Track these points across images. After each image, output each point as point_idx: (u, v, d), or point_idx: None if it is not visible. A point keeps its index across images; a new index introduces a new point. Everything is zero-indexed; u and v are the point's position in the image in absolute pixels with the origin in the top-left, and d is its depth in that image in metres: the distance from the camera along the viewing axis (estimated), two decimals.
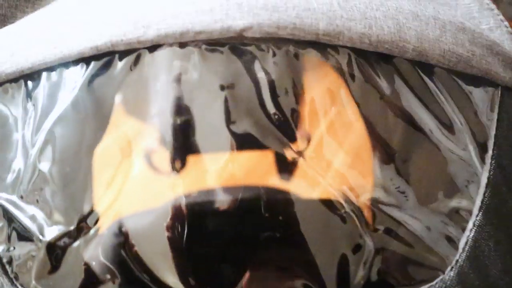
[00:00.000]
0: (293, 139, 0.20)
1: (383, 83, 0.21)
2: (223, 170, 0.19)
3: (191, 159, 0.19)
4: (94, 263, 0.18)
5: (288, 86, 0.20)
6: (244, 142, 0.19)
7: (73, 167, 0.20)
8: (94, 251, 0.18)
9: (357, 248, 0.19)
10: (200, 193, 0.19)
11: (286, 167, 0.19)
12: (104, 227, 0.19)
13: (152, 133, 0.20)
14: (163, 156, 0.19)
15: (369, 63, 0.21)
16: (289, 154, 0.20)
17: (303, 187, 0.19)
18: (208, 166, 0.19)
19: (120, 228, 0.19)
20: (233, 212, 0.18)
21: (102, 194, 0.19)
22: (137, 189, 0.19)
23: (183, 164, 0.19)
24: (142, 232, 0.19)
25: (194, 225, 0.18)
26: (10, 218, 0.20)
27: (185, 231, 0.18)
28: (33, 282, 0.18)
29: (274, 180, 0.19)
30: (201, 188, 0.19)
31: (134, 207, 0.19)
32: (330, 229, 0.19)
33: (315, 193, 0.19)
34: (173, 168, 0.19)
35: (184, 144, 0.19)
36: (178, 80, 0.20)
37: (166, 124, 0.20)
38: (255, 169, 0.19)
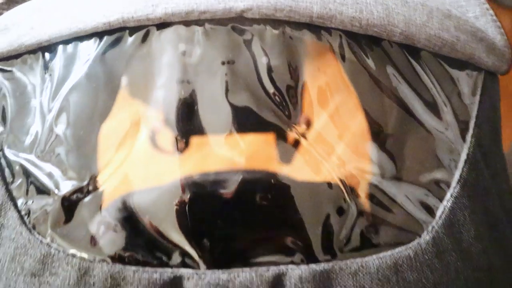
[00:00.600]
0: (287, 112, 0.22)
1: (372, 64, 0.23)
2: (225, 154, 0.21)
3: (194, 140, 0.21)
4: (102, 226, 0.20)
5: (284, 64, 0.22)
6: (242, 114, 0.21)
7: (86, 130, 0.21)
8: (102, 219, 0.20)
9: (341, 211, 0.21)
10: (202, 175, 0.21)
11: (285, 151, 0.21)
12: (111, 189, 0.21)
13: (158, 110, 0.22)
14: (167, 137, 0.21)
15: (359, 45, 0.23)
16: (284, 126, 0.21)
17: (300, 168, 0.21)
18: (210, 149, 0.21)
19: (125, 203, 0.20)
20: (232, 193, 0.20)
21: (107, 162, 0.21)
22: (140, 166, 0.21)
23: (187, 145, 0.21)
24: (147, 207, 0.20)
25: (197, 204, 0.20)
26: (28, 175, 0.22)
27: (188, 209, 0.20)
28: (49, 231, 0.20)
29: (274, 165, 0.21)
30: (203, 171, 0.21)
31: (139, 182, 0.21)
32: (317, 194, 0.21)
33: (311, 176, 0.21)
34: (177, 148, 0.21)
35: (187, 119, 0.21)
36: (183, 54, 0.22)
37: (171, 95, 0.21)
38: (257, 154, 0.21)
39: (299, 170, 0.21)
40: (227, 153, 0.21)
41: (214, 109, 0.21)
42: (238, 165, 0.21)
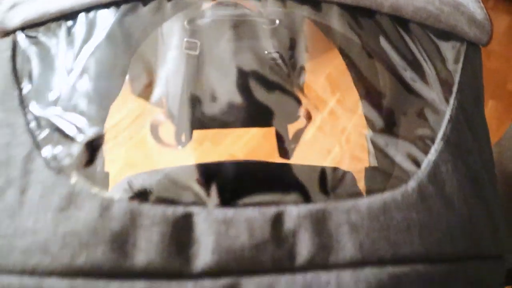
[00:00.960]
0: (287, 72, 0.24)
1: (365, 34, 0.25)
2: (227, 149, 0.23)
3: (196, 134, 0.23)
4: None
5: (284, 31, 0.24)
6: (246, 72, 0.24)
7: (106, 85, 0.24)
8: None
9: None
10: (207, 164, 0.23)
11: (284, 147, 0.24)
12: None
13: (168, 71, 0.24)
14: (170, 129, 0.24)
15: (354, 17, 0.25)
16: (285, 84, 0.24)
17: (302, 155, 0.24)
18: (213, 143, 0.23)
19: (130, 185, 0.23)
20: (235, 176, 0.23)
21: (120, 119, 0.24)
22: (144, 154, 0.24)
23: (189, 138, 0.23)
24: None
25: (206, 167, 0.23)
26: (54, 126, 0.24)
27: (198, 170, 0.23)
28: (74, 173, 0.23)
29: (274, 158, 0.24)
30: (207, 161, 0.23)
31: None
32: None
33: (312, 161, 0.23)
34: (179, 142, 0.23)
35: (195, 80, 0.24)
36: (193, 21, 0.24)
37: (179, 57, 0.24)
38: (258, 149, 0.24)
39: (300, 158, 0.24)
40: (228, 148, 0.23)
41: (221, 68, 0.24)
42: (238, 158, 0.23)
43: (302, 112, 0.25)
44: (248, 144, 0.22)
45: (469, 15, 0.27)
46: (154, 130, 0.23)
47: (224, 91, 0.24)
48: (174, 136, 0.23)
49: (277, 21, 0.25)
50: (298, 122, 0.24)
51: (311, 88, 0.24)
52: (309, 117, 0.25)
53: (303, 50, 0.25)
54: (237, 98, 0.24)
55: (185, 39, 0.24)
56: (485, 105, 0.29)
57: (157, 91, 0.24)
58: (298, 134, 0.24)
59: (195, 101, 0.23)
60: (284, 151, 0.24)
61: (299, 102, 0.24)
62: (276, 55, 0.24)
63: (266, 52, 0.24)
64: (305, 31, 0.25)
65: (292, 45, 0.25)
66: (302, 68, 0.25)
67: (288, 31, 0.25)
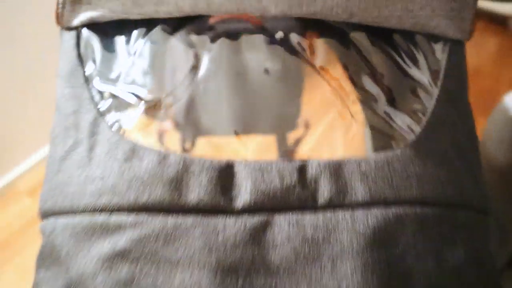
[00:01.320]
0: (307, 56, 0.30)
1: (370, 32, 0.31)
2: (234, 154, 0.28)
3: (200, 141, 0.29)
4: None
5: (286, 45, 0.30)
6: (247, 83, 0.29)
7: (161, 62, 0.29)
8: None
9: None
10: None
11: (285, 151, 0.29)
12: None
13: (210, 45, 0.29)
14: (176, 136, 0.28)
15: (377, 35, 0.31)
16: (307, 64, 0.29)
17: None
18: (215, 151, 0.28)
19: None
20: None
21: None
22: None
23: (193, 145, 0.28)
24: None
25: None
26: (115, 96, 0.29)
27: None
28: (135, 132, 0.28)
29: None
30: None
31: None
32: None
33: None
34: (183, 149, 0.28)
35: (234, 54, 0.29)
36: (200, 34, 0.30)
37: (186, 67, 0.29)
38: (261, 153, 0.28)
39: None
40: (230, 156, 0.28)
41: (225, 79, 0.29)
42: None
43: (301, 121, 0.30)
44: (250, 152, 0.25)
45: (458, 24, 0.33)
46: (160, 137, 0.27)
47: (228, 100, 0.27)
48: (179, 143, 0.27)
49: (281, 34, 0.30)
50: (296, 130, 0.28)
51: (330, 73, 0.30)
52: (307, 127, 0.30)
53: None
54: (240, 107, 0.27)
55: (193, 51, 0.28)
56: (477, 122, 0.34)
57: (165, 100, 0.28)
58: (297, 143, 0.29)
59: (199, 109, 0.27)
60: (282, 154, 0.28)
61: (299, 111, 0.29)
62: (279, 66, 0.29)
63: (267, 63, 0.29)
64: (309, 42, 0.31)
65: (310, 39, 0.30)
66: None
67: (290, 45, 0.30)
